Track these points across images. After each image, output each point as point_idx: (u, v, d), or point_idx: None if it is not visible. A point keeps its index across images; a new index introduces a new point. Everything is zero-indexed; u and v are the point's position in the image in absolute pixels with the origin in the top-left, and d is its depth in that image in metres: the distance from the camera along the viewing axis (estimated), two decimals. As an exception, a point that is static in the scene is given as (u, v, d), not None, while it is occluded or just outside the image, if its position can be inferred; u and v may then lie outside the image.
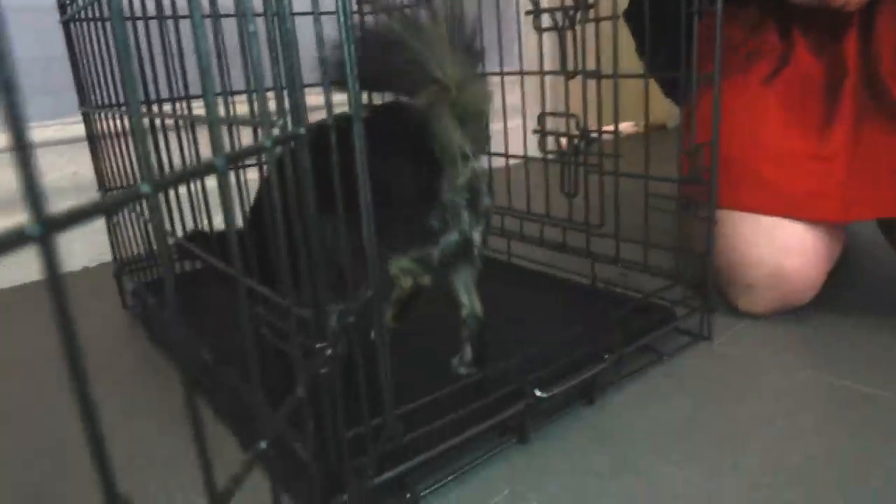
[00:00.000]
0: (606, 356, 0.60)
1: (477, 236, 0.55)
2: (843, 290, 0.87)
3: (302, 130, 0.39)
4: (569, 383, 0.57)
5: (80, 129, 0.94)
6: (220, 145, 0.31)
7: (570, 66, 0.82)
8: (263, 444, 0.33)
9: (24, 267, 1.11)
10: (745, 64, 0.86)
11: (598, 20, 0.78)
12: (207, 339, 0.65)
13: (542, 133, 0.87)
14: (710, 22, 0.69)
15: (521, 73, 0.89)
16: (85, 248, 1.17)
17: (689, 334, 0.75)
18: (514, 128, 0.92)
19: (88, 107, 0.86)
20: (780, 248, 0.76)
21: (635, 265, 0.81)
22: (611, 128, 0.80)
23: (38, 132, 1.14)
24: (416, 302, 0.59)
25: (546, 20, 0.83)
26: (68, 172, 1.18)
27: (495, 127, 0.97)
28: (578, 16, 0.80)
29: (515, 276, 0.91)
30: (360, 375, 0.43)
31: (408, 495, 0.50)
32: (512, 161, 0.94)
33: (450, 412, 0.51)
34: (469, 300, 0.61)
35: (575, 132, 0.83)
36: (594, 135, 0.83)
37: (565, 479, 0.53)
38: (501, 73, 0.93)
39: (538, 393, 0.55)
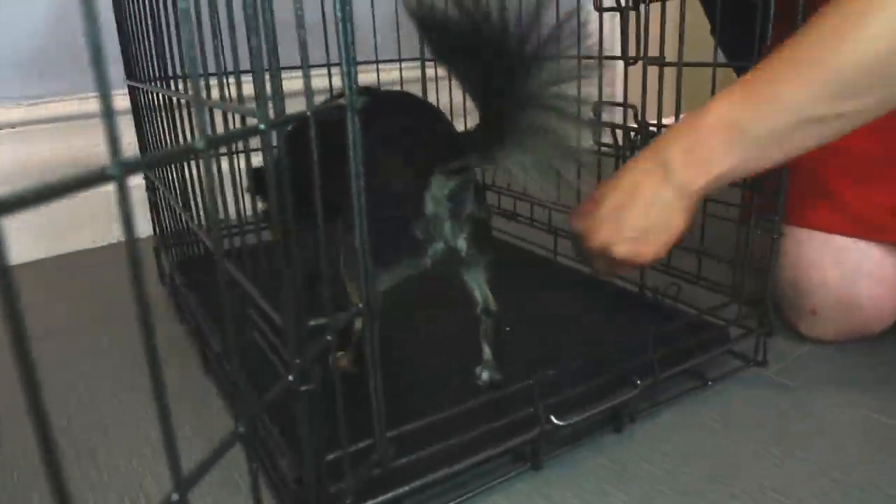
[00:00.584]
0: (639, 381, 0.54)
1: (462, 243, 0.53)
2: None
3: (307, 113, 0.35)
4: (590, 412, 0.51)
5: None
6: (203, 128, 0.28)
7: (632, 52, 0.75)
8: (240, 428, 0.30)
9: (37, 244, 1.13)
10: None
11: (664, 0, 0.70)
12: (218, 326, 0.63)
13: (597, 124, 0.80)
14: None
15: (578, 57, 0.82)
16: (142, 217, 1.18)
17: (741, 358, 0.67)
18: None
19: (133, 80, 0.85)
20: (851, 273, 0.66)
21: (688, 275, 0.74)
22: (671, 121, 0.72)
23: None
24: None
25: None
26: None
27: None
28: (643, -5, 0.73)
29: (556, 276, 0.85)
30: (336, 392, 0.39)
31: (400, 523, 0.46)
32: (564, 152, 0.88)
33: (452, 435, 0.47)
34: (481, 296, 0.58)
35: (632, 124, 0.76)
36: (653, 128, 0.75)
37: (575, 518, 0.48)
38: (558, 57, 0.86)
39: (554, 420, 0.50)
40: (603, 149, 0.80)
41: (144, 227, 1.18)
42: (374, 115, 0.37)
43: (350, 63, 0.35)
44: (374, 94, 0.58)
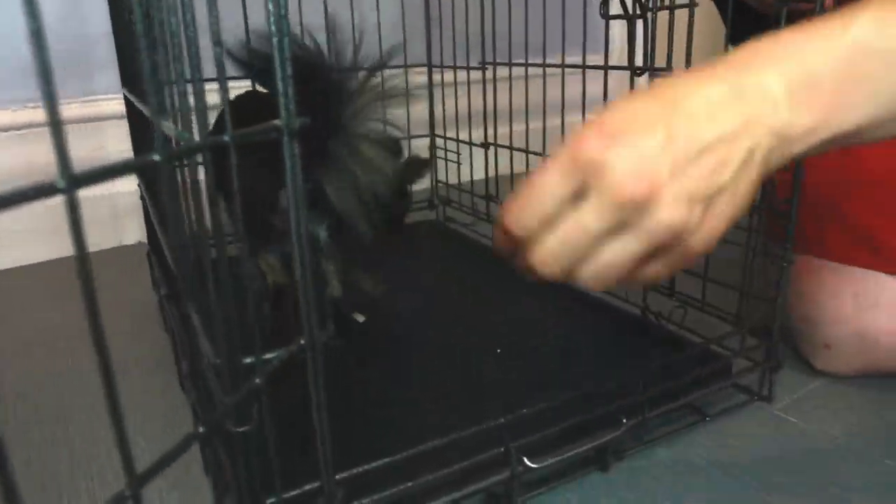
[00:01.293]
0: (625, 420, 0.50)
1: (322, 233, 0.58)
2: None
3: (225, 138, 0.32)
4: (567, 453, 0.47)
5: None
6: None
7: (639, 62, 0.71)
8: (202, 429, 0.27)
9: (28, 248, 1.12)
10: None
11: (672, 8, 0.66)
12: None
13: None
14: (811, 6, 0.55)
15: (584, 66, 0.78)
16: (140, 224, 1.17)
17: (745, 392, 0.63)
18: (573, 124, 0.81)
19: (126, 85, 0.83)
20: (870, 306, 0.61)
21: (693, 301, 0.69)
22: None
23: (107, 105, 1.14)
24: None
25: (615, 6, 0.71)
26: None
27: (553, 123, 0.87)
28: (651, 2, 0.68)
29: (554, 295, 0.81)
30: (268, 431, 0.36)
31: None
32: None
33: (414, 477, 0.43)
34: (331, 284, 0.63)
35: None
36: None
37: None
38: (563, 66, 0.83)
39: (527, 462, 0.46)
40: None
41: (139, 233, 1.17)
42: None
43: (286, 81, 0.32)
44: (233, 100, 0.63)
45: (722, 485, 0.52)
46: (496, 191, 1.03)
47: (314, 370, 0.38)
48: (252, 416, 0.36)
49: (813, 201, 0.66)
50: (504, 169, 0.98)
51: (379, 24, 0.96)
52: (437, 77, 1.09)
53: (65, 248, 1.11)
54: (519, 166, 0.94)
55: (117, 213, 1.15)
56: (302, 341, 0.37)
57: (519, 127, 0.93)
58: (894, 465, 0.54)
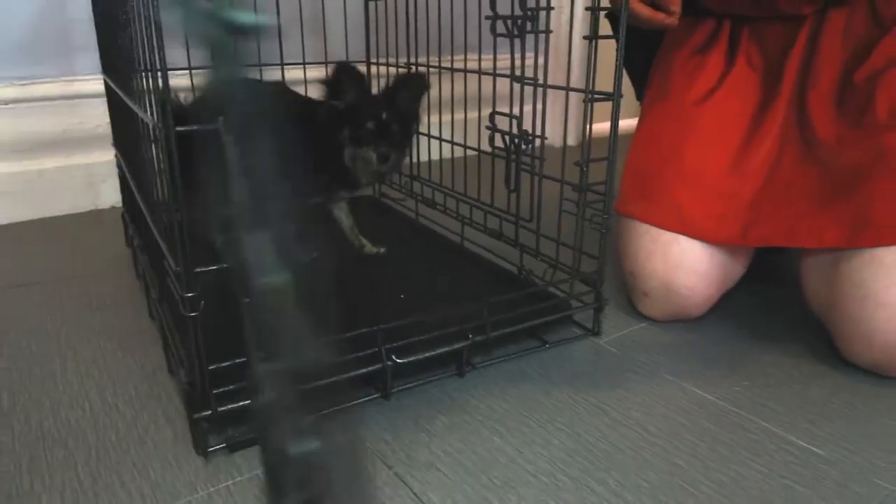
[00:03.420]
0: (470, 336, 0.70)
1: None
2: (755, 307, 0.92)
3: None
4: (425, 354, 0.67)
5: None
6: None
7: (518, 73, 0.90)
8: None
9: None
10: (686, 83, 0.91)
11: (540, 32, 0.85)
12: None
13: (492, 130, 0.96)
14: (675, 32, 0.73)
15: (479, 72, 0.98)
16: (115, 188, 1.34)
17: (581, 328, 0.84)
18: (474, 119, 1.01)
19: (106, 72, 1.00)
20: (673, 265, 0.82)
21: (551, 260, 0.90)
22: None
23: (87, 85, 1.30)
24: None
25: (501, 26, 0.91)
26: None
27: (458, 117, 1.06)
28: (529, 26, 0.88)
29: (453, 257, 1.01)
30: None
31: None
32: (472, 152, 1.03)
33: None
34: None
35: (515, 132, 0.91)
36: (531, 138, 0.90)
37: (403, 431, 0.64)
38: (465, 71, 1.02)
39: (395, 358, 0.66)
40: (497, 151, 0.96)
41: (118, 196, 1.34)
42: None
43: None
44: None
45: (544, 387, 0.72)
46: (418, 172, 1.22)
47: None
48: (200, 306, 0.55)
49: (641, 177, 0.87)
50: (423, 155, 1.17)
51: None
52: (374, 70, 1.28)
53: (24, 212, 1.27)
54: (435, 153, 1.14)
55: (93, 181, 1.32)
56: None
57: (435, 118, 1.13)
58: (670, 379, 0.75)
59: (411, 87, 0.90)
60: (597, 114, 0.78)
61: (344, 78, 0.84)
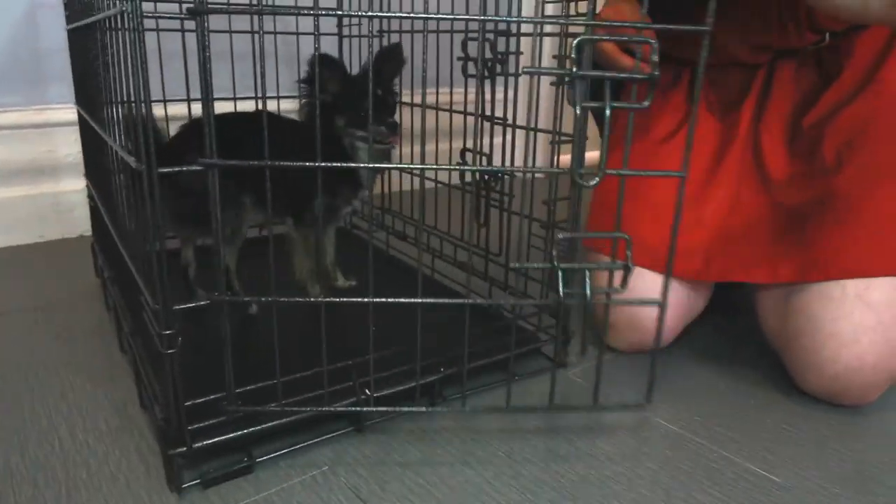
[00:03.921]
0: (442, 369, 0.72)
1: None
2: (716, 338, 0.96)
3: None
4: (396, 388, 0.69)
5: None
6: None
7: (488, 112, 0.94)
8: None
9: None
10: (649, 123, 0.95)
11: (508, 75, 0.89)
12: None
13: (461, 166, 0.99)
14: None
15: (451, 111, 1.01)
16: (86, 216, 1.33)
17: (549, 360, 0.86)
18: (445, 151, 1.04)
19: (80, 103, 1.01)
20: (638, 297, 0.85)
21: (520, 294, 0.92)
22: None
23: (57, 113, 1.29)
24: None
25: (471, 68, 0.94)
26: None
27: (429, 149, 1.09)
28: (499, 68, 0.92)
29: (426, 290, 1.02)
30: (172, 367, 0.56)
31: (245, 458, 0.63)
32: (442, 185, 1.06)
33: (290, 395, 0.64)
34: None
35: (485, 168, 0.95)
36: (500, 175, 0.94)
37: (376, 466, 0.65)
38: (437, 109, 1.05)
39: (367, 392, 0.67)
40: (467, 187, 0.99)
41: (86, 225, 1.33)
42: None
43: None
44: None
45: (513, 419, 0.74)
46: (389, 204, 1.24)
47: (224, 315, 0.58)
48: (177, 343, 0.56)
49: (607, 211, 0.91)
50: (395, 186, 1.20)
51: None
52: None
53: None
54: (406, 185, 1.16)
55: (61, 210, 1.31)
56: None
57: (407, 150, 1.15)
58: (634, 398, 0.78)
59: (392, 60, 0.91)
60: (564, 147, 0.82)
61: (323, 69, 0.84)
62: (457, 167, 0.70)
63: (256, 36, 0.54)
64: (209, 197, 0.53)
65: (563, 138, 0.79)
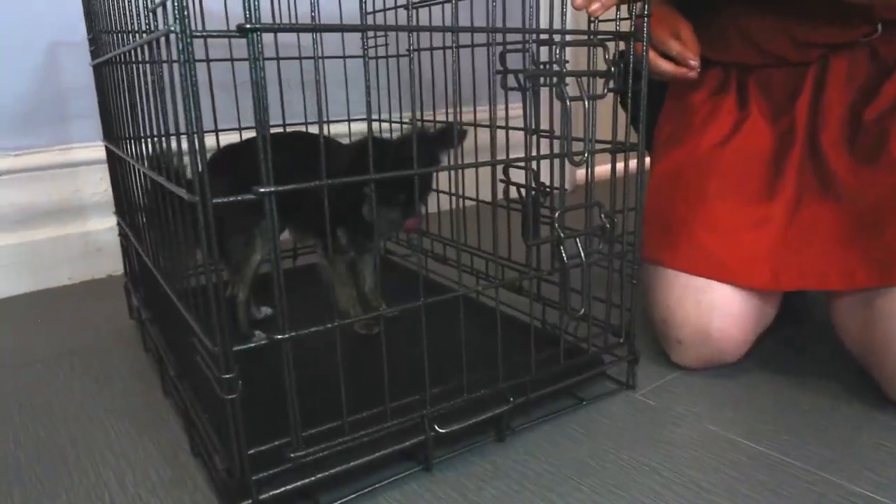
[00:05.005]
0: (511, 399, 0.67)
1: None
2: (785, 350, 0.91)
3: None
4: (467, 422, 0.64)
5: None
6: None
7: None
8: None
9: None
10: (702, 127, 0.91)
11: (551, 86, 0.85)
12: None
13: (506, 183, 0.95)
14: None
15: (492, 126, 0.97)
16: (113, 255, 1.30)
17: (615, 382, 0.81)
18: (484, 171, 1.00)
19: (110, 139, 0.98)
20: (707, 310, 0.81)
21: (576, 313, 0.87)
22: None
23: (82, 152, 1.27)
24: None
25: (512, 80, 0.91)
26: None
27: (483, 169, 1.05)
28: (542, 80, 0.88)
29: (474, 312, 0.98)
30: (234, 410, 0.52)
31: (312, 506, 0.58)
32: (479, 204, 1.02)
33: (355, 437, 0.59)
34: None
35: (533, 185, 0.90)
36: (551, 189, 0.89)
37: (451, 506, 0.61)
38: (475, 125, 1.01)
39: (437, 428, 0.62)
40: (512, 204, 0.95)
41: (115, 265, 1.30)
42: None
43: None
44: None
45: (589, 448, 0.69)
46: (427, 227, 1.20)
47: (286, 352, 0.54)
48: (238, 387, 0.51)
49: (665, 222, 0.86)
50: (433, 208, 1.16)
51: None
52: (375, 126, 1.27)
53: (19, 285, 1.23)
54: (445, 206, 1.12)
55: (89, 250, 1.28)
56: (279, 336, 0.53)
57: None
58: (714, 429, 0.72)
59: (444, 143, 0.85)
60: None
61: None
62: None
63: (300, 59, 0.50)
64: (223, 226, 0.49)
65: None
